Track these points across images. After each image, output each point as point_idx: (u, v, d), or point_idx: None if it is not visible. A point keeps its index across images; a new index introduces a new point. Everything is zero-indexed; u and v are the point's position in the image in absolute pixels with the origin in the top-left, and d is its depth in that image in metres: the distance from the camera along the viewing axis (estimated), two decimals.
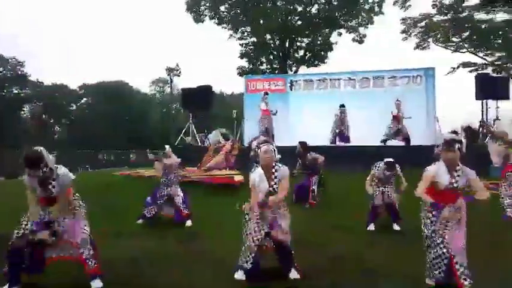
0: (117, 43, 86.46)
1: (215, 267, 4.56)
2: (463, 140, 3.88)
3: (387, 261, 4.81)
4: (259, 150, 4.21)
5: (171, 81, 20.61)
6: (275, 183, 4.19)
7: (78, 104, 51.45)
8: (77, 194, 4.13)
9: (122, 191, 10.09)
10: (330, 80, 15.94)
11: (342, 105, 13.56)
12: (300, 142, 8.99)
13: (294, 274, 4.16)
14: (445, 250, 3.75)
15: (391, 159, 6.52)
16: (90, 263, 3.88)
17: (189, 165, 11.33)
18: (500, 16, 22.95)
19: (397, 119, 12.84)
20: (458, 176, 3.82)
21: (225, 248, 4.23)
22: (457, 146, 3.80)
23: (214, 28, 32.39)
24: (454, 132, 4.19)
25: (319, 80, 16.17)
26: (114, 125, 45.13)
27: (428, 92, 14.77)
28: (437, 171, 3.86)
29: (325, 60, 28.78)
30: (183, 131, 16.74)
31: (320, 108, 14.48)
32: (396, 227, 6.56)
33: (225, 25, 28.58)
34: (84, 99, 51.85)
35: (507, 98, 15.06)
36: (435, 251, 3.81)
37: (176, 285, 4.19)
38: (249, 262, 4.16)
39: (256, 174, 4.19)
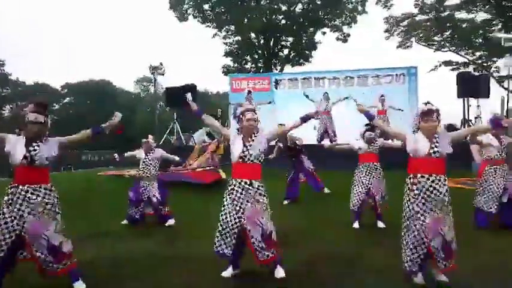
0: (101, 42, 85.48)
1: (202, 267, 4.53)
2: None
3: (379, 257, 4.82)
4: (243, 117, 4.20)
5: (155, 80, 20.43)
6: (250, 148, 4.13)
7: (61, 104, 50.67)
8: (55, 190, 3.94)
9: (106, 191, 9.99)
10: (315, 78, 16.05)
11: (325, 93, 13.70)
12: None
13: (279, 273, 4.10)
14: (424, 234, 3.72)
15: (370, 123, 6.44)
16: (51, 266, 3.73)
17: (173, 165, 11.27)
18: (481, 16, 23.45)
19: (382, 114, 12.95)
20: (438, 142, 3.80)
21: (211, 246, 4.19)
22: (435, 115, 3.83)
23: (198, 27, 32.18)
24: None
25: (303, 78, 16.27)
26: (98, 125, 44.53)
27: (411, 91, 14.99)
28: (416, 138, 3.86)
29: (310, 59, 28.98)
30: (168, 130, 16.66)
31: (305, 107, 14.39)
32: (381, 225, 6.64)
33: (209, 24, 28.44)
34: (67, 98, 51.12)
35: (487, 96, 15.34)
36: (414, 234, 3.76)
37: (164, 285, 4.15)
38: (230, 248, 4.07)
39: (235, 135, 4.23)
